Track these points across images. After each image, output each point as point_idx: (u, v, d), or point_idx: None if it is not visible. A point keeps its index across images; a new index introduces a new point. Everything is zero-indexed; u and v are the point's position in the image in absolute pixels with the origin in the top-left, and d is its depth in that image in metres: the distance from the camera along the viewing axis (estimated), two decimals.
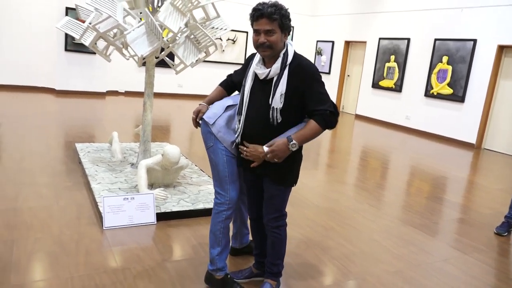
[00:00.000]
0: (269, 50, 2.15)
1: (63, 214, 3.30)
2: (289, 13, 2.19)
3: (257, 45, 2.19)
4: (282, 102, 2.15)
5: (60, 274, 2.48)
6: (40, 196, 3.61)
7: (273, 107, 2.16)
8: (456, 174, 5.96)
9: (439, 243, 3.53)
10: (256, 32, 2.16)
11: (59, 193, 3.73)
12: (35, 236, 2.91)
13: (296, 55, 2.24)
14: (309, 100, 2.18)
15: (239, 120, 2.28)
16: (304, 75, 2.17)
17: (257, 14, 2.12)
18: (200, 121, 2.42)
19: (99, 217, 3.26)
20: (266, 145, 2.18)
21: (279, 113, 2.16)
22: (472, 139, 8.24)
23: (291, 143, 2.13)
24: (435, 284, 2.82)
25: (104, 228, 3.12)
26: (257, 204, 2.47)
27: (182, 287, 2.49)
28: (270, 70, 2.18)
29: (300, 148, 2.26)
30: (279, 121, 2.17)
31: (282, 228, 2.40)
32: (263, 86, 2.22)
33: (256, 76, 2.26)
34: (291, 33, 2.64)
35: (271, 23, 2.11)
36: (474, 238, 3.70)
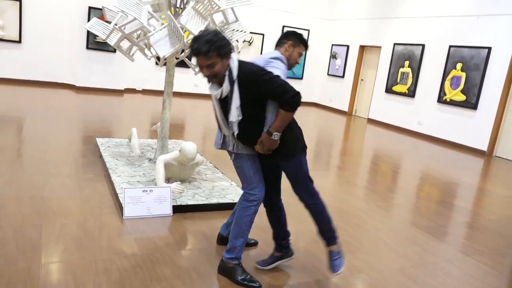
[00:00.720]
0: (215, 78, 2.33)
1: (86, 203, 3.52)
2: (226, 40, 2.28)
3: (203, 76, 2.37)
4: (240, 115, 2.35)
5: (85, 256, 2.69)
6: (64, 186, 3.84)
7: (230, 121, 2.37)
8: (466, 180, 6.04)
9: (444, 244, 3.65)
10: (199, 65, 2.31)
11: (82, 184, 3.96)
12: (62, 221, 3.13)
13: (240, 65, 2.36)
14: (270, 97, 2.37)
15: (228, 135, 2.52)
16: (251, 82, 2.32)
17: (193, 53, 2.27)
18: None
19: (120, 207, 3.46)
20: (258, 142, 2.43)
21: (239, 125, 2.38)
22: (484, 147, 8.27)
23: (273, 134, 2.36)
24: (437, 282, 2.95)
25: (124, 217, 3.33)
26: (274, 189, 2.73)
27: (196, 273, 2.67)
28: (222, 90, 2.35)
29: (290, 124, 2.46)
30: (236, 133, 2.41)
31: (317, 198, 2.61)
32: (226, 103, 2.41)
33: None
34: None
35: (209, 58, 2.24)
36: (478, 241, 3.80)
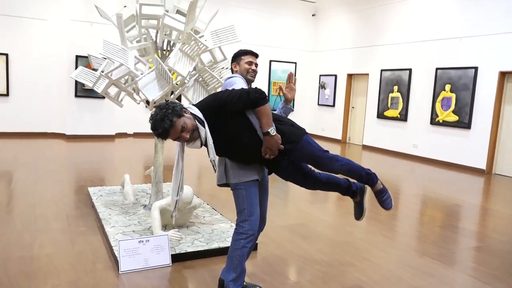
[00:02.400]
0: (196, 132, 2.34)
1: (79, 260, 3.32)
2: (172, 104, 2.32)
3: (187, 143, 2.41)
4: (214, 153, 2.37)
5: None
6: (55, 242, 3.64)
7: (210, 159, 2.38)
8: (468, 201, 5.91)
9: (458, 273, 3.47)
10: (177, 139, 2.36)
11: (74, 238, 3.76)
12: (53, 283, 2.92)
13: (198, 106, 2.41)
14: (239, 108, 2.38)
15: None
16: (217, 108, 2.37)
17: (163, 135, 2.30)
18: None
19: (115, 261, 3.27)
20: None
21: (240, 143, 2.44)
22: (482, 165, 8.21)
23: (270, 131, 2.39)
24: None
25: (120, 272, 3.13)
26: (309, 178, 2.75)
27: None
28: (201, 137, 2.36)
29: (275, 120, 2.50)
30: (216, 168, 2.45)
31: (341, 159, 2.62)
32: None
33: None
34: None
35: (176, 126, 2.27)
36: (493, 266, 3.63)
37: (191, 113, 2.36)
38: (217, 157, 2.43)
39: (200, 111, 2.37)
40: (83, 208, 4.66)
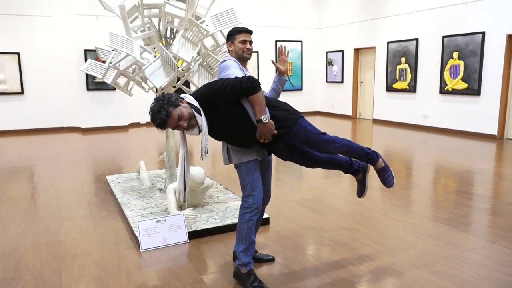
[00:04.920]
0: (194, 120, 2.46)
1: (102, 242, 3.53)
2: (168, 95, 2.44)
3: (186, 130, 2.52)
4: (207, 140, 2.51)
5: None
6: (80, 228, 3.87)
7: (202, 146, 2.51)
8: (480, 167, 5.95)
9: (466, 234, 3.58)
10: (176, 127, 2.47)
11: (97, 222, 3.98)
12: (80, 263, 3.14)
13: (194, 95, 2.51)
14: (233, 97, 2.46)
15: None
16: (211, 98, 2.46)
17: (161, 125, 2.42)
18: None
19: (136, 240, 3.47)
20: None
21: (238, 128, 2.53)
22: (493, 131, 8.18)
23: (262, 119, 2.45)
24: (464, 273, 2.88)
25: (141, 250, 3.33)
26: (308, 159, 2.81)
27: None
28: (199, 125, 2.47)
29: (269, 106, 2.58)
30: (204, 156, 2.55)
31: (338, 140, 2.64)
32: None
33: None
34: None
35: (172, 115, 2.39)
36: (501, 226, 3.73)
37: (187, 102, 2.48)
38: (207, 143, 2.55)
39: (196, 100, 2.48)
40: (103, 195, 4.88)
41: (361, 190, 2.99)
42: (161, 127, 2.44)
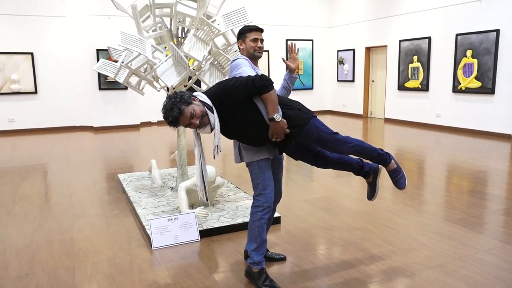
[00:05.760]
0: (206, 118, 2.45)
1: (115, 239, 3.56)
2: (181, 93, 2.44)
3: (198, 128, 2.52)
4: (220, 139, 2.51)
5: None
6: (92, 225, 3.91)
7: (215, 144, 2.51)
8: (494, 167, 5.87)
9: (480, 235, 3.53)
10: (188, 126, 2.47)
11: (109, 220, 4.02)
12: (92, 261, 3.17)
13: (207, 94, 2.51)
14: (245, 96, 2.46)
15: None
16: (224, 97, 2.46)
17: (173, 122, 2.42)
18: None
19: (147, 238, 3.49)
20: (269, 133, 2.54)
21: (250, 128, 2.53)
22: (508, 130, 8.06)
23: (275, 117, 2.44)
24: (477, 274, 2.85)
25: (153, 248, 3.35)
26: (319, 160, 2.82)
27: None
28: (211, 124, 2.47)
29: (282, 104, 2.57)
30: (216, 154, 2.54)
31: (351, 140, 2.63)
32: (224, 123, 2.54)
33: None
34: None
35: (185, 114, 2.39)
36: None
37: (200, 100, 2.48)
38: (219, 142, 2.55)
39: (209, 98, 2.48)
40: (115, 193, 4.93)
41: (372, 193, 2.97)
42: (173, 125, 2.45)
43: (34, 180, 5.66)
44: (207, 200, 2.80)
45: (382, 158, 2.74)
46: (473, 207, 4.23)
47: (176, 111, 2.38)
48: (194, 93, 2.54)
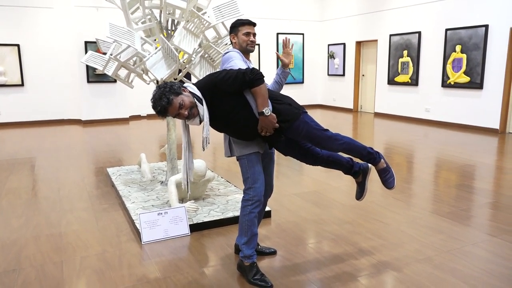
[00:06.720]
0: (195, 109, 2.44)
1: (104, 234, 3.53)
2: (170, 83, 2.41)
3: (187, 119, 2.50)
4: (209, 131, 2.49)
5: (107, 286, 2.69)
6: (81, 220, 3.86)
7: (203, 136, 2.50)
8: (482, 161, 5.94)
9: (468, 228, 3.57)
10: (175, 116, 2.45)
11: (98, 215, 3.98)
12: (81, 255, 3.14)
13: (197, 85, 2.50)
14: (236, 89, 2.44)
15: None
16: (213, 89, 2.45)
17: (162, 112, 2.40)
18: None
19: (137, 233, 3.47)
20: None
21: (238, 121, 2.51)
22: (496, 125, 8.15)
23: (264, 111, 2.43)
24: (465, 267, 2.88)
25: (142, 242, 3.32)
26: (309, 157, 2.80)
27: None
28: (201, 115, 2.46)
29: (272, 99, 2.56)
30: (205, 146, 2.54)
31: (341, 138, 2.62)
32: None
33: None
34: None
35: (173, 103, 2.37)
36: (503, 220, 3.72)
37: (190, 91, 2.46)
38: (208, 134, 2.53)
39: (198, 89, 2.46)
40: (104, 187, 4.88)
41: (360, 193, 2.97)
42: (161, 115, 2.42)
43: (21, 174, 5.57)
44: (188, 192, 2.79)
45: (372, 157, 2.74)
46: (461, 200, 4.28)
47: (164, 100, 2.35)
48: (185, 84, 2.52)
